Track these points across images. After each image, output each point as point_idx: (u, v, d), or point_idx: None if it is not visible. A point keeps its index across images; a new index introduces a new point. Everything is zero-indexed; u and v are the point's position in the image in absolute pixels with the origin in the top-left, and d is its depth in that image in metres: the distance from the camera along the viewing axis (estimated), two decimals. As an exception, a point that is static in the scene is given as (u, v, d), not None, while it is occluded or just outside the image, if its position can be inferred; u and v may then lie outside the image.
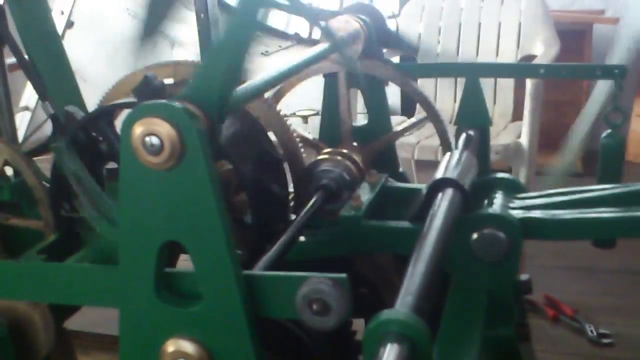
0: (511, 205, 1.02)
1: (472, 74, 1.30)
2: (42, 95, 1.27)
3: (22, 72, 1.40)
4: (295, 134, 1.16)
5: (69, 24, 3.07)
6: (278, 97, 1.38)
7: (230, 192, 0.99)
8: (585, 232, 1.00)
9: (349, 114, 1.30)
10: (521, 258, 0.99)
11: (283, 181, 1.06)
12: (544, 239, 1.00)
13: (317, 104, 1.43)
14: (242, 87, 0.89)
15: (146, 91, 0.83)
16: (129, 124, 0.70)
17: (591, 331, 2.18)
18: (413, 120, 1.48)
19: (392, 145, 1.41)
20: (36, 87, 1.32)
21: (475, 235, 0.94)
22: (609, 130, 1.33)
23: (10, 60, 1.47)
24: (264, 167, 1.02)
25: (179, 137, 0.68)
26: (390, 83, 1.41)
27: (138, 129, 0.69)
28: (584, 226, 0.97)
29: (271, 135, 1.12)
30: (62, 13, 3.02)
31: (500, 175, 1.11)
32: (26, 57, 1.34)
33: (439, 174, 0.99)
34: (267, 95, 1.16)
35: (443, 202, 0.93)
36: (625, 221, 0.96)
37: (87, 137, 0.95)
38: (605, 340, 2.15)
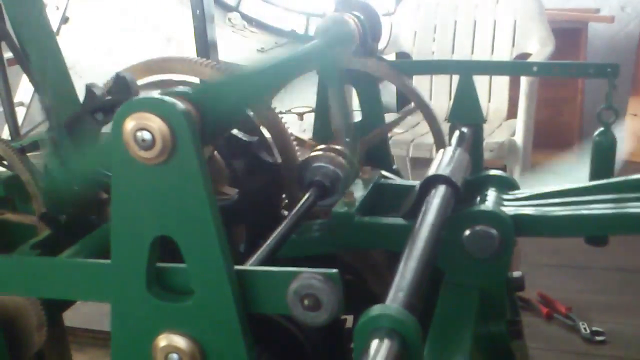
0: (504, 202, 1.03)
1: (465, 71, 1.30)
2: (39, 89, 1.27)
3: (15, 68, 1.40)
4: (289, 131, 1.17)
5: (64, 20, 3.07)
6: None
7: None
8: (578, 229, 1.00)
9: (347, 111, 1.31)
10: (515, 255, 0.99)
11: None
12: (537, 236, 1.00)
13: (313, 100, 1.43)
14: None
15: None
16: (120, 118, 0.69)
17: (584, 329, 2.19)
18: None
19: (385, 141, 1.42)
20: (33, 81, 1.32)
21: (467, 232, 0.94)
22: (602, 129, 1.33)
23: (7, 55, 1.46)
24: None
25: (170, 132, 0.68)
26: (384, 80, 1.42)
27: (129, 124, 0.69)
28: (576, 223, 0.98)
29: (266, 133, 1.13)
30: (58, 8, 3.02)
31: (493, 172, 1.11)
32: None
33: (432, 170, 1.00)
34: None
35: (435, 198, 0.93)
36: (617, 218, 0.96)
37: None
38: (599, 338, 2.16)
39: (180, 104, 0.70)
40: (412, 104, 1.41)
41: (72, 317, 1.25)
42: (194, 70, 1.10)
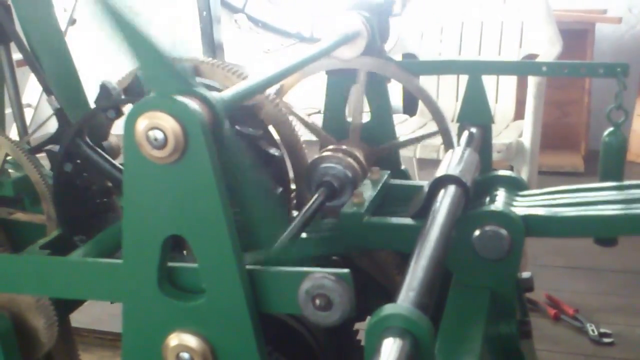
0: (513, 202, 1.02)
1: (474, 71, 1.30)
2: (48, 90, 1.27)
3: (23, 70, 1.41)
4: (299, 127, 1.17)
5: (72, 21, 3.07)
6: (281, 94, 1.38)
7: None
8: (587, 229, 0.99)
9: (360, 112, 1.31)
10: (523, 256, 0.98)
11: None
12: (546, 236, 1.00)
13: (319, 102, 1.43)
14: (243, 84, 0.89)
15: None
16: (132, 117, 0.70)
17: (592, 330, 2.18)
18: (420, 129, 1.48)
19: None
20: (42, 82, 1.32)
21: (477, 232, 0.94)
22: (611, 129, 1.33)
23: (16, 56, 1.47)
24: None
25: (182, 131, 0.68)
26: (392, 81, 1.41)
27: (142, 123, 0.69)
28: (586, 223, 0.97)
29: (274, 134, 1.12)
30: (65, 10, 3.02)
31: (502, 172, 1.11)
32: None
33: (441, 170, 0.99)
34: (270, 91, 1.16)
35: (445, 198, 0.92)
36: (627, 219, 0.96)
37: None
38: (607, 340, 2.15)
39: (192, 102, 0.70)
40: (427, 113, 1.40)
41: (80, 318, 1.25)
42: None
